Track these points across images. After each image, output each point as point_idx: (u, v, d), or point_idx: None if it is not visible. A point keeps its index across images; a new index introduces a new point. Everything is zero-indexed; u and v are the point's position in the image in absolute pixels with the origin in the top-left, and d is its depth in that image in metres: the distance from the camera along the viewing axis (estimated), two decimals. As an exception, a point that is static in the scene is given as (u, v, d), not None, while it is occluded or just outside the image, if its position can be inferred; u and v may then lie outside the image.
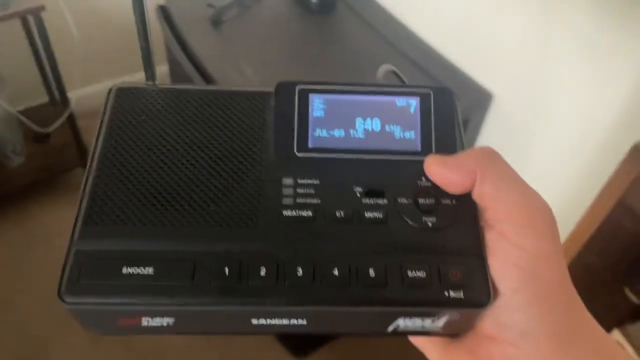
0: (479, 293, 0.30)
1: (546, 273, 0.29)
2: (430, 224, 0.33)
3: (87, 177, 0.33)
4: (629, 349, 0.79)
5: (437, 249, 0.32)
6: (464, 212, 0.33)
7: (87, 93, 1.99)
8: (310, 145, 0.35)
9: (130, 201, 0.32)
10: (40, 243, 1.72)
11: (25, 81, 1.81)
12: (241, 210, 0.33)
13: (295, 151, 0.35)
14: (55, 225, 1.76)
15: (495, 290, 0.30)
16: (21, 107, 1.76)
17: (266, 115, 0.37)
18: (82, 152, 1.78)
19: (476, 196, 0.32)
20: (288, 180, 0.34)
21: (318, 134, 0.36)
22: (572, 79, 1.01)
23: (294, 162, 0.35)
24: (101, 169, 0.34)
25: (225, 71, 1.15)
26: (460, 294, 0.31)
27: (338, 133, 0.36)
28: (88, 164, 0.34)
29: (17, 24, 1.60)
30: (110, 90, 0.37)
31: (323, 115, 0.36)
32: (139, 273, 0.30)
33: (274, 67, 1.22)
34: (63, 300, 0.30)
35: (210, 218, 0.32)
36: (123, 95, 0.37)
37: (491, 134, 1.23)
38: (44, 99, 1.89)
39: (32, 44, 1.69)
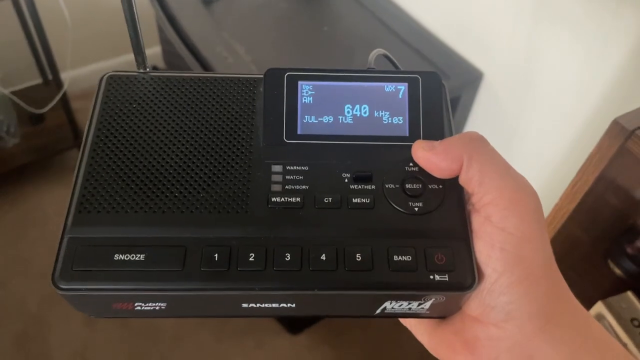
0: (464, 276, 0.31)
1: (530, 255, 0.30)
2: (416, 209, 0.33)
3: (80, 165, 0.34)
4: (612, 320, 0.81)
5: (423, 233, 0.33)
6: (450, 196, 0.34)
7: (81, 74, 1.99)
8: (299, 131, 0.36)
9: (121, 188, 0.33)
10: (36, 223, 1.73)
11: (18, 62, 1.81)
12: (231, 197, 0.33)
13: (284, 138, 0.35)
14: (51, 205, 1.77)
15: (480, 273, 0.31)
16: (14, 89, 1.76)
17: (256, 102, 0.37)
18: (76, 133, 1.79)
19: (463, 181, 0.33)
20: (277, 167, 0.35)
21: (307, 121, 0.36)
22: (559, 58, 1.01)
23: (283, 149, 0.35)
24: (93, 157, 0.34)
25: (216, 50, 1.15)
26: (445, 277, 0.31)
27: (327, 119, 0.36)
28: (80, 151, 0.35)
29: (8, 5, 1.59)
30: (101, 78, 0.37)
31: (312, 101, 0.37)
32: (130, 259, 0.31)
33: (265, 46, 1.22)
34: (57, 287, 0.30)
35: (200, 205, 0.33)
36: (114, 84, 0.37)
37: (481, 111, 1.24)
38: (38, 80, 1.89)
39: (24, 25, 1.68)
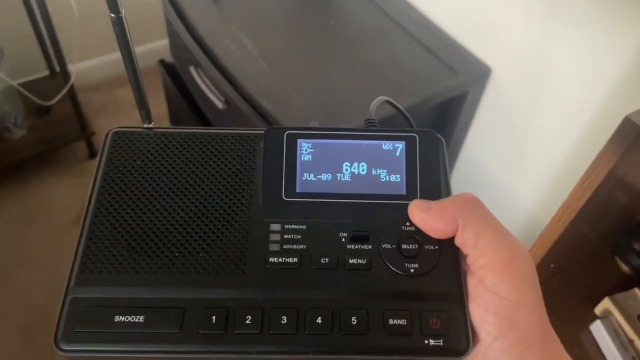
0: (458, 341, 0.31)
1: (524, 320, 0.30)
2: (412, 270, 0.34)
3: (84, 224, 0.35)
4: (619, 316, 0.82)
5: (418, 296, 0.33)
6: (446, 257, 0.34)
7: (88, 66, 1.99)
8: (298, 189, 0.36)
9: (123, 248, 0.34)
10: (42, 215, 1.74)
11: (26, 54, 1.81)
12: (229, 257, 0.34)
13: (283, 196, 0.36)
14: (57, 197, 1.78)
15: (475, 336, 0.31)
16: (22, 80, 1.76)
17: (256, 159, 0.38)
18: (83, 125, 1.79)
19: (458, 243, 0.33)
20: (275, 226, 0.35)
21: (306, 178, 0.37)
22: (567, 54, 1.01)
23: (282, 207, 0.36)
24: (97, 216, 0.35)
25: (224, 43, 1.15)
26: (439, 342, 0.32)
27: (325, 177, 0.37)
28: (84, 209, 0.35)
29: (16, -4, 1.60)
30: (107, 134, 0.38)
31: (311, 159, 0.37)
32: (130, 321, 0.31)
33: (273, 40, 1.22)
34: (59, 348, 0.31)
35: (199, 265, 0.33)
36: (119, 140, 0.38)
37: (489, 106, 1.23)
38: (45, 72, 1.89)
39: (32, 17, 1.68)
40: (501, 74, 1.18)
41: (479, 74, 1.19)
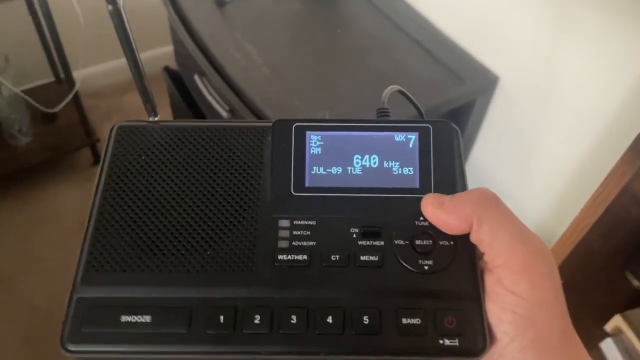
0: (474, 341, 0.30)
1: (543, 320, 0.29)
2: (426, 267, 0.33)
3: (89, 221, 0.34)
4: (630, 334, 0.80)
5: (433, 294, 0.32)
6: (462, 254, 0.33)
7: (93, 73, 1.99)
8: (307, 184, 0.35)
9: (129, 247, 0.33)
10: (47, 222, 1.73)
11: (30, 61, 1.81)
12: (237, 254, 0.33)
13: (292, 191, 0.35)
14: (62, 204, 1.78)
15: (492, 335, 0.30)
16: (27, 87, 1.76)
17: (264, 152, 0.37)
18: (88, 132, 1.79)
19: (474, 240, 0.32)
20: (284, 222, 0.34)
21: (315, 172, 0.36)
22: (578, 64, 0.99)
23: (291, 202, 0.35)
24: (102, 214, 0.34)
25: (229, 52, 1.14)
26: (455, 342, 0.31)
27: (335, 170, 0.36)
28: (90, 206, 0.35)
29: (22, 4, 1.59)
30: (112, 128, 0.38)
31: (320, 152, 0.36)
32: (137, 321, 0.31)
33: (278, 48, 1.21)
34: (65, 349, 0.31)
35: (206, 263, 0.33)
36: (124, 134, 0.37)
37: (497, 115, 1.22)
38: (50, 78, 1.89)
39: (37, 23, 1.68)
40: (509, 83, 1.16)
41: (487, 82, 1.18)
